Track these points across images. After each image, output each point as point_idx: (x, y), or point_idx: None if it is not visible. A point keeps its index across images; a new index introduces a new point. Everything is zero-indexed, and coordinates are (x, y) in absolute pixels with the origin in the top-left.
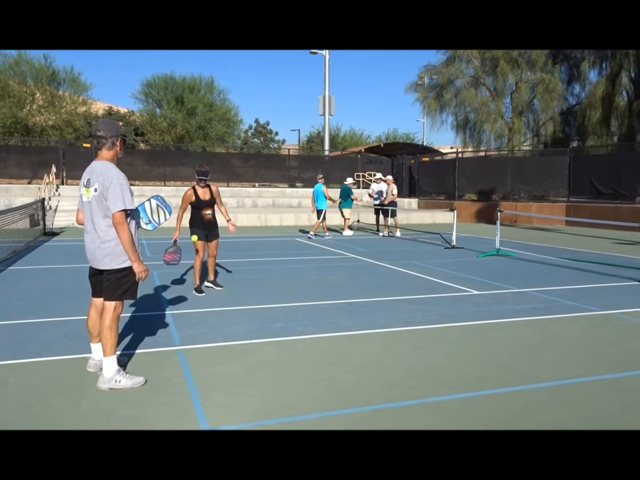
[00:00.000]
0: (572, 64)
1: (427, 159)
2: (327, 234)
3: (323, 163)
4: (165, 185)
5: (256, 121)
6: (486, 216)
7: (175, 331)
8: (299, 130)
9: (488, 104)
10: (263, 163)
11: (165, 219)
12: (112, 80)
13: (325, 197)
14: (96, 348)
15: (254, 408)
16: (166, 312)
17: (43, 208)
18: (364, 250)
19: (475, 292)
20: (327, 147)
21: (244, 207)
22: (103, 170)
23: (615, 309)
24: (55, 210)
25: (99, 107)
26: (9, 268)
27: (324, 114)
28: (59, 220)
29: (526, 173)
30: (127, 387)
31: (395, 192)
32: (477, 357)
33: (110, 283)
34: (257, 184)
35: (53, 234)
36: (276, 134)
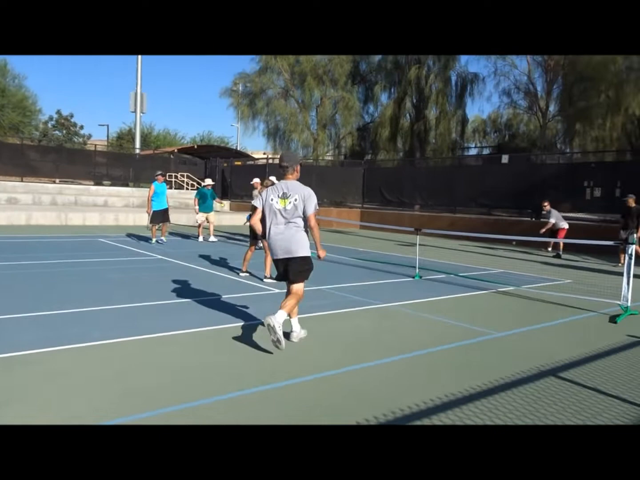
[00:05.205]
0: (368, 86)
1: (239, 163)
2: (158, 239)
3: (133, 161)
4: None
5: (58, 112)
6: None
7: None
8: (107, 125)
9: (296, 115)
10: (65, 158)
11: None
12: None
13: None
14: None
15: (36, 421)
16: None
17: None
18: (174, 251)
19: (277, 290)
20: (138, 145)
21: (41, 204)
22: (300, 187)
23: (393, 302)
24: None
25: None
26: None
27: (135, 111)
28: None
29: (328, 181)
30: (303, 336)
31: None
32: (273, 353)
33: (298, 269)
34: (57, 180)
35: None
36: (81, 127)
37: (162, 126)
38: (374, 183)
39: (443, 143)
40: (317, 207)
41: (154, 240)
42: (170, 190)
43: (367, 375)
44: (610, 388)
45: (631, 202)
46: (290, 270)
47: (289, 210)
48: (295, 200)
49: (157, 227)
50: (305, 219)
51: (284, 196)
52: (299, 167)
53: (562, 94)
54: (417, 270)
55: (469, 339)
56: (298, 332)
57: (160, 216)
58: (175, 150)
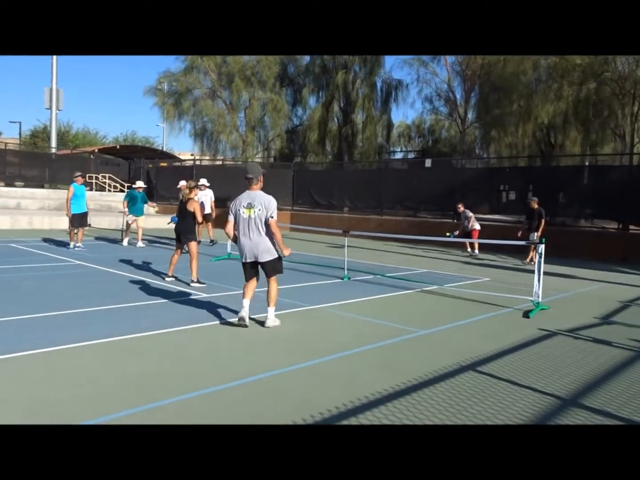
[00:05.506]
0: (297, 89)
1: (165, 164)
2: (75, 244)
3: (49, 161)
4: None
5: None
6: (221, 222)
7: None
8: (20, 122)
9: (224, 116)
10: None
11: None
12: None
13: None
14: (247, 304)
15: None
16: None
17: None
18: (94, 256)
19: (204, 295)
20: (54, 144)
21: None
22: (262, 196)
23: (322, 304)
24: None
25: None
26: None
27: (50, 108)
28: None
29: None
30: (276, 325)
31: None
32: (197, 359)
33: (271, 268)
34: None
35: None
36: None
37: (81, 124)
38: (304, 185)
39: (370, 147)
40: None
41: (72, 244)
42: (91, 193)
43: (294, 378)
44: (523, 379)
45: (534, 205)
46: (265, 271)
47: (254, 219)
48: (259, 209)
49: (75, 231)
50: (267, 224)
51: (249, 206)
52: (262, 178)
53: (478, 102)
54: (345, 271)
55: (395, 338)
56: (272, 319)
57: (79, 220)
58: (96, 150)
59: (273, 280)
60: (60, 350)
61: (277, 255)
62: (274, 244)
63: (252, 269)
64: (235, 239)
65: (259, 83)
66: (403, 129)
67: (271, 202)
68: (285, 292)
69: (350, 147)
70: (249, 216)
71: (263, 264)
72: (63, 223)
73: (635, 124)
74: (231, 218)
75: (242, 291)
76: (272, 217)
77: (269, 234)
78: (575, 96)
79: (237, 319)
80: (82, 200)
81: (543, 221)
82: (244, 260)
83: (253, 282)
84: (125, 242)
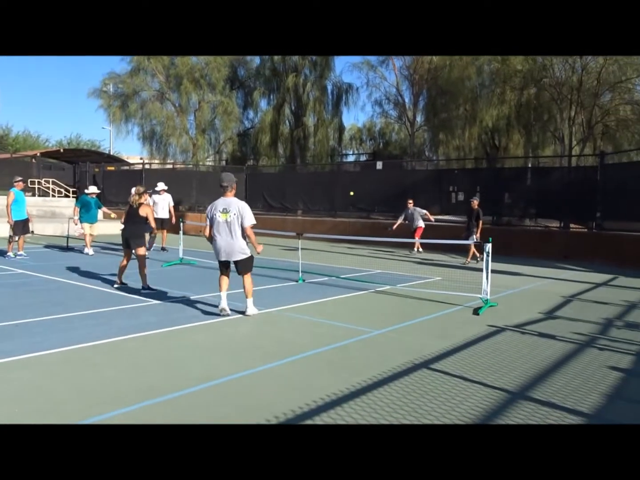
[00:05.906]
0: (247, 92)
1: (112, 168)
2: (16, 252)
3: None
4: None
5: None
6: (173, 227)
7: None
8: None
9: (173, 119)
10: None
11: None
12: None
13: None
14: (224, 295)
15: None
16: None
17: None
18: (39, 265)
19: (156, 301)
20: None
21: None
22: (236, 202)
23: (276, 307)
24: None
25: None
26: None
27: None
28: None
29: (210, 186)
30: (255, 313)
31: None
32: (152, 366)
33: (243, 266)
34: None
35: None
36: None
37: (21, 127)
38: (257, 189)
39: (322, 150)
40: (254, 221)
41: (11, 253)
42: (34, 198)
43: (251, 382)
44: (474, 375)
45: (475, 204)
46: (239, 268)
47: (229, 222)
48: (234, 214)
49: (16, 239)
50: (243, 229)
51: (225, 211)
52: (235, 185)
53: (426, 106)
54: (300, 274)
55: (350, 339)
56: (252, 308)
57: (21, 227)
58: (38, 154)
59: (247, 276)
60: (6, 363)
61: (249, 255)
62: (247, 244)
63: (223, 266)
64: (212, 240)
65: (208, 85)
66: (354, 132)
67: (245, 207)
68: (240, 296)
69: (303, 150)
70: (225, 220)
71: (236, 262)
72: (2, 230)
73: (572, 128)
74: (208, 222)
75: (202, 295)
76: (250, 223)
77: (242, 235)
78: (517, 101)
79: (218, 310)
80: (22, 206)
81: (480, 222)
82: (219, 259)
83: (226, 277)
84: (91, 251)
